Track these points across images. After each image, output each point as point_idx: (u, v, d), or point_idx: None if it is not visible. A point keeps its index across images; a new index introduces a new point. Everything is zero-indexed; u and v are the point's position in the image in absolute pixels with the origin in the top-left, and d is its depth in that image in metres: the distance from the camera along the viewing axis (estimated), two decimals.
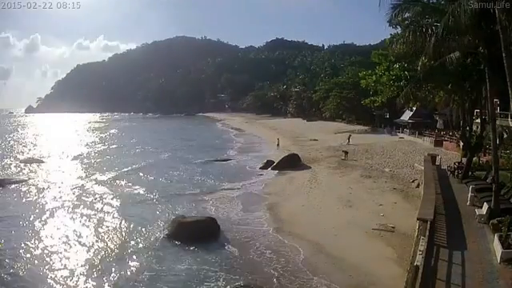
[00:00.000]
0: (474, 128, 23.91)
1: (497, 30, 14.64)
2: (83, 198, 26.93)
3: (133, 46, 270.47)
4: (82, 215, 22.73)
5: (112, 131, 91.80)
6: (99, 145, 63.07)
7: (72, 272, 15.22)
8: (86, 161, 44.68)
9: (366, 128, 65.24)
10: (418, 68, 18.79)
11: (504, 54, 14.38)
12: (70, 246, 17.89)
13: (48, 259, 16.41)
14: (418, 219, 13.71)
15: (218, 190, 28.28)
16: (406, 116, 55.76)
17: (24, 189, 29.58)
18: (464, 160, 24.26)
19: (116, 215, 22.62)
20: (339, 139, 49.89)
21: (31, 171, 37.28)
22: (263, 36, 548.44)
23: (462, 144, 26.94)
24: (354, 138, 48.70)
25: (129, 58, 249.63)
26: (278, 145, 51.40)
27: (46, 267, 15.60)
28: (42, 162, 42.92)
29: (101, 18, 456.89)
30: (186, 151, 51.21)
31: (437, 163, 27.09)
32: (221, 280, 14.35)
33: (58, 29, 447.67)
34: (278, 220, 20.60)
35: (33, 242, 18.34)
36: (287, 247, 16.85)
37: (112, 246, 17.87)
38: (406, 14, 18.78)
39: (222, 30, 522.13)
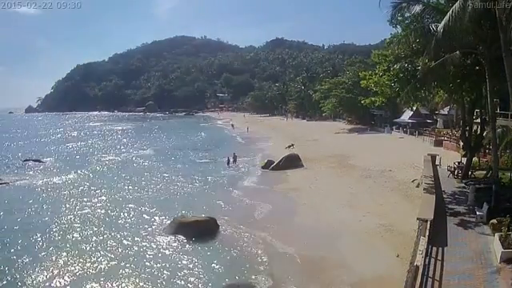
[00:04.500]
0: (474, 128, 23.88)
1: (497, 30, 14.64)
2: (85, 196, 26.98)
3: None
4: (83, 214, 22.77)
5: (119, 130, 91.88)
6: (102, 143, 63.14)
7: (72, 269, 15.26)
8: (90, 160, 44.74)
9: (365, 127, 65.30)
10: (419, 68, 18.73)
11: (504, 54, 14.38)
12: (71, 244, 17.93)
13: (51, 260, 16.39)
14: (417, 219, 13.72)
15: (215, 191, 28.26)
16: (406, 116, 55.74)
17: (27, 188, 29.60)
18: (464, 160, 24.26)
19: (116, 214, 22.66)
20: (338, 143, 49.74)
21: (32, 171, 37.33)
22: (263, 36, 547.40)
23: (461, 144, 26.91)
24: (353, 138, 48.69)
25: (129, 57, 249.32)
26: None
27: (50, 268, 15.55)
28: (41, 161, 42.96)
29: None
30: (189, 150, 51.28)
31: (437, 163, 27.06)
32: (216, 278, 14.42)
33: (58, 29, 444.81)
34: (277, 219, 20.61)
35: (33, 241, 18.36)
36: (285, 247, 16.86)
37: (113, 245, 17.88)
38: (407, 14, 18.79)
39: (221, 29, 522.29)
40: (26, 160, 43.04)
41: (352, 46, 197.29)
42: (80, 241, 18.48)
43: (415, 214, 14.50)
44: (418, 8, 17.42)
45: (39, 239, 18.57)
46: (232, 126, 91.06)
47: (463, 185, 21.24)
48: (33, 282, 14.43)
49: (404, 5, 17.58)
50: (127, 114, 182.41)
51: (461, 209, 16.99)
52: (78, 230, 20.04)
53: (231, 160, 39.75)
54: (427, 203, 15.73)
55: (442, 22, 15.08)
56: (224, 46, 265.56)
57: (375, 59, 24.67)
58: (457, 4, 14.66)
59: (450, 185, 21.50)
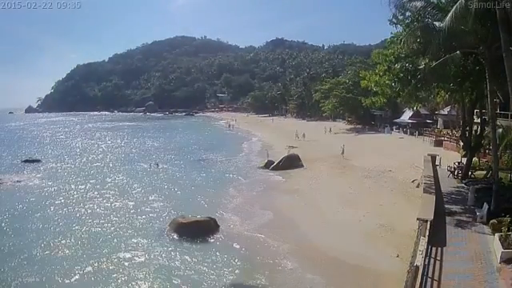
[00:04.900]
0: (474, 128, 23.90)
1: (497, 30, 14.64)
2: (85, 196, 26.98)
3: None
4: (83, 214, 22.79)
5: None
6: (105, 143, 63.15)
7: (71, 269, 15.27)
8: (93, 159, 44.76)
9: (364, 127, 65.40)
10: (421, 67, 18.73)
11: (504, 54, 14.38)
12: (70, 244, 17.93)
13: (49, 260, 16.41)
14: (417, 219, 13.71)
15: (215, 191, 28.26)
16: (406, 116, 55.79)
17: (26, 189, 29.62)
18: (464, 160, 24.26)
19: (116, 214, 22.67)
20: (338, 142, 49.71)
21: (32, 171, 37.36)
22: (263, 36, 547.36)
23: (462, 144, 26.93)
24: (353, 138, 48.67)
25: (129, 57, 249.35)
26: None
27: (48, 267, 15.57)
28: (41, 161, 42.94)
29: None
30: (189, 149, 51.27)
31: (437, 163, 27.06)
32: (216, 278, 14.46)
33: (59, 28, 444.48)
34: (277, 219, 20.61)
35: (32, 242, 18.37)
36: (285, 247, 16.88)
37: (112, 245, 17.90)
38: (408, 13, 18.81)
39: (222, 30, 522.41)
40: (26, 160, 43.02)
41: (352, 46, 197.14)
42: (79, 241, 18.50)
43: (415, 214, 14.50)
44: (419, 3, 17.43)
45: (38, 240, 18.58)
46: (232, 126, 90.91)
47: (463, 185, 21.25)
48: (30, 281, 14.43)
49: (405, 0, 17.64)
50: (127, 114, 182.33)
51: (461, 209, 16.99)
52: (77, 230, 20.07)
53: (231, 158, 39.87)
54: (427, 203, 15.72)
55: (444, 23, 15.10)
56: (224, 46, 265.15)
57: (375, 59, 24.65)
58: (458, 4, 14.67)
59: (450, 185, 21.52)
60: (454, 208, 17.15)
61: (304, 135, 56.75)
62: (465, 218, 15.70)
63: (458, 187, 21.10)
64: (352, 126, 70.56)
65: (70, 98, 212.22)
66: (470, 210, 16.64)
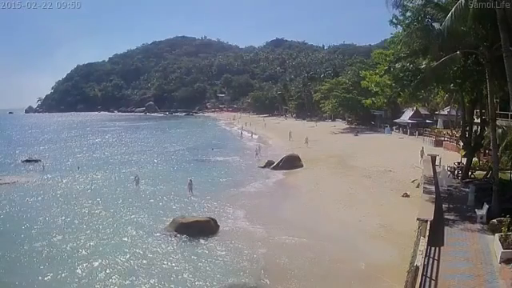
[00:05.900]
0: (474, 128, 23.92)
1: (497, 30, 14.66)
2: (86, 196, 26.99)
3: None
4: (83, 214, 22.77)
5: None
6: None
7: (70, 268, 15.26)
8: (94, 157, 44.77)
9: (364, 128, 65.47)
10: (421, 67, 18.76)
11: (504, 55, 14.40)
12: (70, 244, 17.93)
13: (48, 261, 16.37)
14: (417, 219, 13.71)
15: (214, 191, 28.27)
16: (406, 116, 55.77)
17: (27, 188, 29.63)
18: (464, 160, 24.28)
19: (117, 214, 22.65)
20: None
21: (33, 171, 37.36)
22: (263, 36, 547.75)
23: (462, 144, 26.95)
24: (352, 139, 48.58)
25: (129, 57, 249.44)
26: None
27: (46, 268, 15.56)
28: (41, 161, 42.90)
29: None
30: (189, 149, 51.30)
31: (437, 163, 27.06)
32: (216, 278, 14.44)
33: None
34: (277, 218, 20.62)
35: (31, 241, 18.37)
36: (285, 247, 16.87)
37: (112, 245, 17.85)
38: (408, 14, 18.84)
39: (222, 30, 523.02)
40: (27, 160, 43.06)
41: (352, 46, 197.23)
42: (78, 241, 18.42)
43: (415, 215, 14.50)
44: (419, 1, 17.48)
45: (38, 239, 18.56)
46: (234, 125, 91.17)
47: (463, 185, 21.26)
48: (30, 281, 14.43)
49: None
50: (127, 114, 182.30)
51: (461, 209, 17.00)
52: (76, 230, 20.00)
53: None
54: (427, 203, 15.73)
55: (444, 23, 15.12)
56: (224, 46, 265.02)
57: (376, 59, 24.70)
58: (458, 4, 14.68)
59: (449, 185, 21.50)
60: (454, 208, 17.16)
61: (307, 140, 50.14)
62: (465, 218, 15.71)
63: (457, 187, 21.10)
64: (352, 126, 70.57)
65: (69, 98, 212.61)
66: (469, 209, 16.65)
